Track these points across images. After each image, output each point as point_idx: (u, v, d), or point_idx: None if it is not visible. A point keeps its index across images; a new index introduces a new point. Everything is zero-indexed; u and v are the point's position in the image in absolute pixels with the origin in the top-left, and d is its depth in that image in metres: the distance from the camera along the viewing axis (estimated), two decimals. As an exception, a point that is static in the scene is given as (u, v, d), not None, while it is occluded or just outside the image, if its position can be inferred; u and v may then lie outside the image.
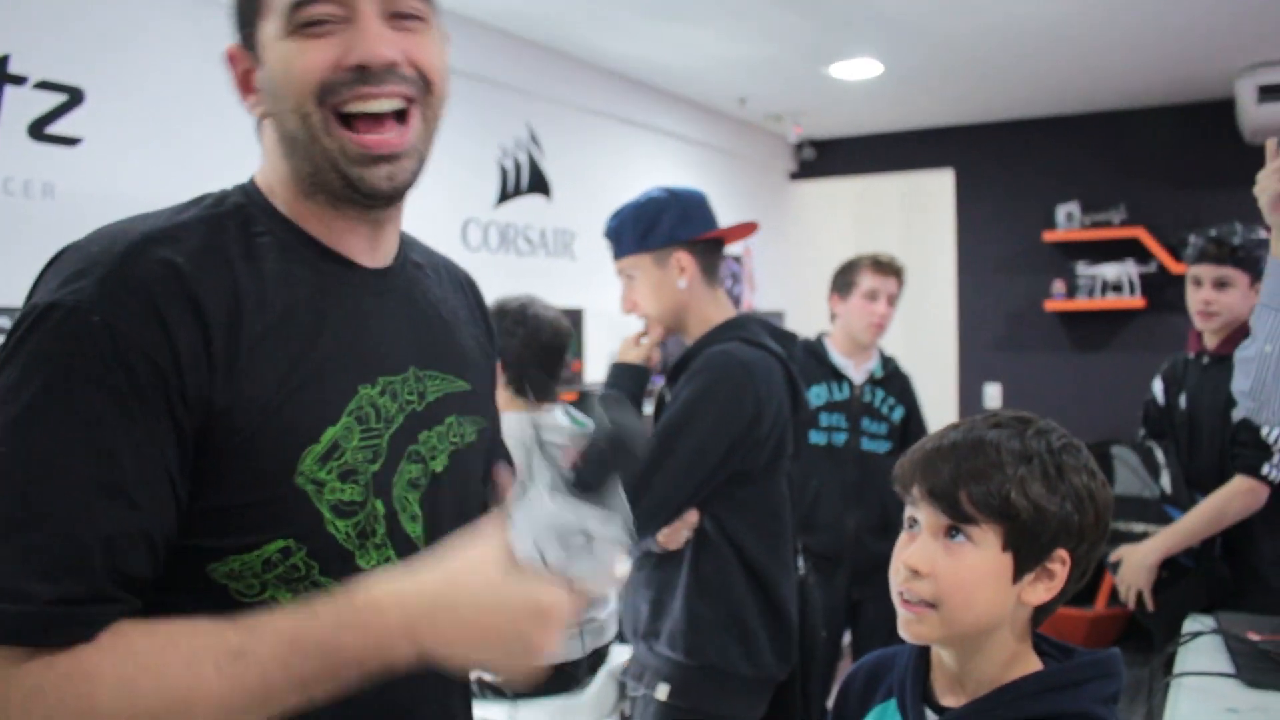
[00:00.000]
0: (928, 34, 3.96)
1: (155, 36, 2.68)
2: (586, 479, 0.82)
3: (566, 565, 0.81)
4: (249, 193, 0.97)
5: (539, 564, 0.80)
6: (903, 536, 1.11)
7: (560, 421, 2.53)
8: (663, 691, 1.93)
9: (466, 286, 1.20)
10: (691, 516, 1.94)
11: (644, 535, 1.93)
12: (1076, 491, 1.06)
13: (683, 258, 2.00)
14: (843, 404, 3.15)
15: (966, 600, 1.05)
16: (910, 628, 1.08)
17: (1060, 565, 1.07)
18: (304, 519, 0.87)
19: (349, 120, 0.91)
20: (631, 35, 3.93)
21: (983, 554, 1.05)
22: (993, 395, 5.63)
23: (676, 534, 1.94)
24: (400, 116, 0.93)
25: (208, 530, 0.85)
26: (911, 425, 3.22)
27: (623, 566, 0.82)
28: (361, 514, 0.91)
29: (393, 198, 0.95)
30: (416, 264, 1.09)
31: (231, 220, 0.92)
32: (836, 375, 3.17)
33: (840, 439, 3.13)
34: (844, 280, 3.18)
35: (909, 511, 1.11)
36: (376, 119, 0.91)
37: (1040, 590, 1.07)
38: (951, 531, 1.07)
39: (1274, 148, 1.70)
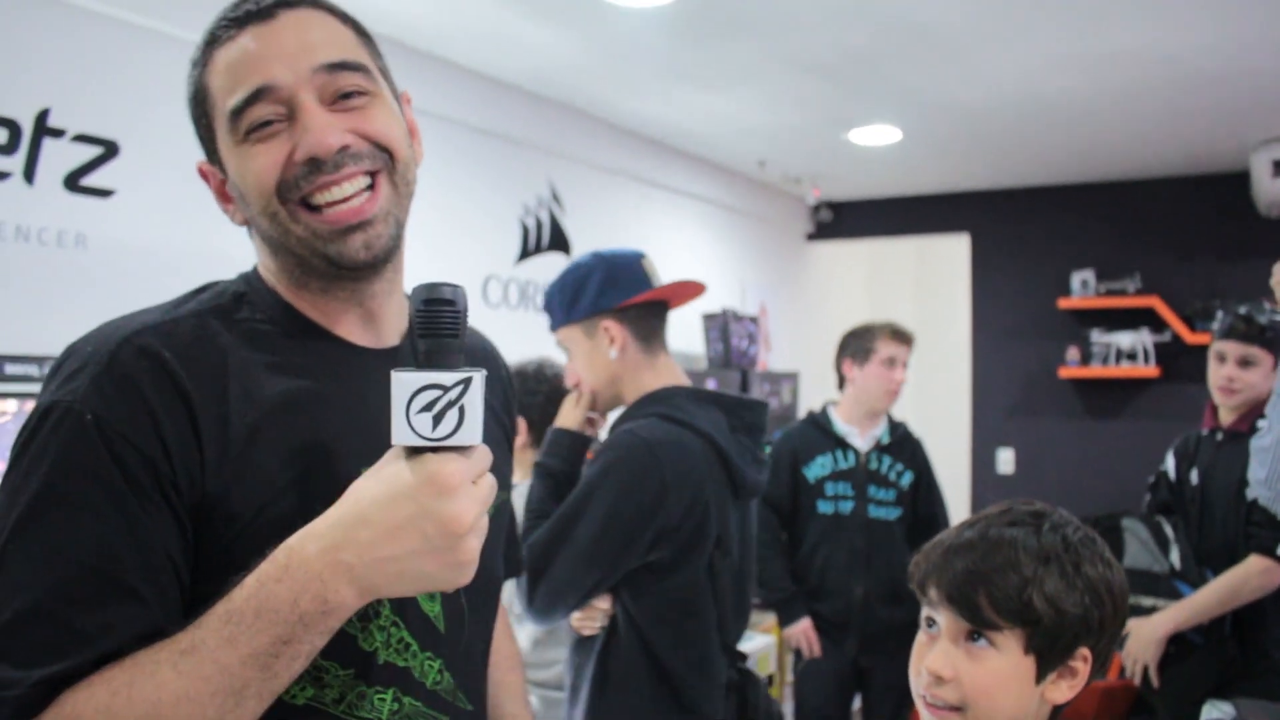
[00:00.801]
0: (947, 104, 4.01)
1: (191, 93, 2.74)
2: (422, 348, 0.80)
3: (440, 427, 0.79)
4: (250, 280, 1.00)
5: (418, 440, 0.79)
6: (921, 636, 1.11)
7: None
8: None
9: (492, 362, 1.22)
10: (603, 602, 1.78)
11: (549, 619, 1.78)
12: (1094, 586, 1.06)
13: (611, 327, 1.85)
14: (848, 472, 3.15)
15: (991, 705, 1.05)
16: None
17: (1083, 663, 1.08)
18: None
19: (319, 209, 0.93)
20: (653, 98, 4.00)
21: (1006, 658, 1.05)
22: (1005, 460, 5.61)
23: (589, 619, 1.80)
24: (370, 187, 0.94)
25: None
26: (922, 490, 3.21)
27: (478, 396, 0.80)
28: None
29: (374, 266, 0.96)
30: None
31: (230, 310, 0.95)
32: (841, 444, 3.18)
33: (847, 507, 3.13)
34: (860, 346, 3.18)
35: (926, 611, 1.11)
36: (345, 202, 0.93)
37: (1064, 688, 1.08)
38: (973, 635, 1.07)
39: None
